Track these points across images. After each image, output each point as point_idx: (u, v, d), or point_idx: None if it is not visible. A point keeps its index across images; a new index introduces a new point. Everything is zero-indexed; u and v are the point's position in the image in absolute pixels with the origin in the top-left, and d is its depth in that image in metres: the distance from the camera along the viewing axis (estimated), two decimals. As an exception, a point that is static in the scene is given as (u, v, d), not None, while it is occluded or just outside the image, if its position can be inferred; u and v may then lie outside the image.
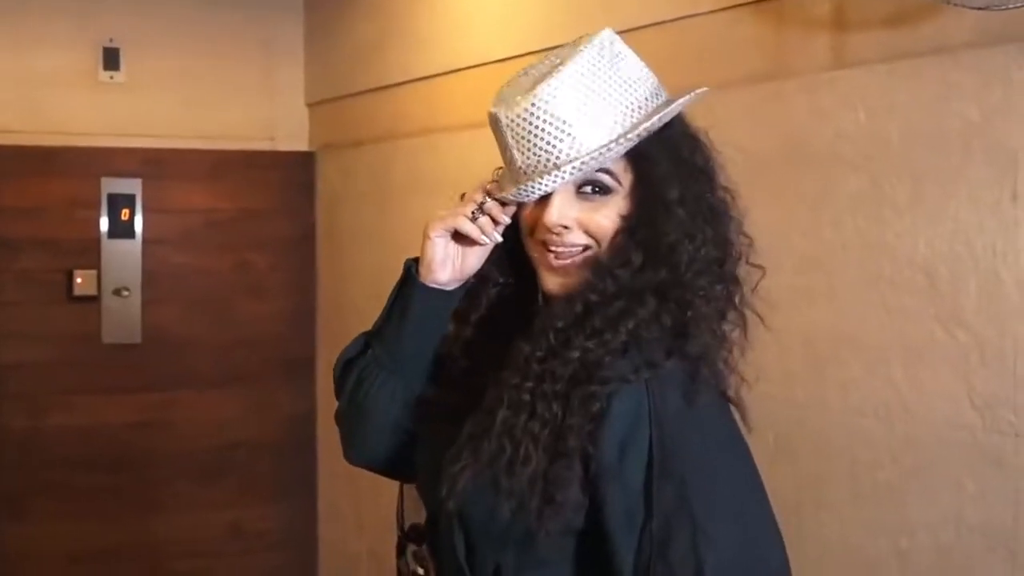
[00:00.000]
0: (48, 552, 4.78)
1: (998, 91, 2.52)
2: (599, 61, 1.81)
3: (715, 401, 1.78)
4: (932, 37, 2.68)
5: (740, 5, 3.11)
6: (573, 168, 1.74)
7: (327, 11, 5.08)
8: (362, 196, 4.89)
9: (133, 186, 4.90)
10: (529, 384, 1.73)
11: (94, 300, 4.86)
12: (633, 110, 1.80)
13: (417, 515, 2.01)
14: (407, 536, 2.01)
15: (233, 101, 5.10)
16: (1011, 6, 2.36)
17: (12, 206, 4.74)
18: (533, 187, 1.75)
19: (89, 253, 4.85)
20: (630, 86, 1.82)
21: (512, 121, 1.78)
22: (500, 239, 1.85)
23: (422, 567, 1.94)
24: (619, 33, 3.22)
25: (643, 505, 1.67)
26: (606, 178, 1.78)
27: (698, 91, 1.85)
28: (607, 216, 1.79)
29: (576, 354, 1.72)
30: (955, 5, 2.42)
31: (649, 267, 1.77)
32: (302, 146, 5.22)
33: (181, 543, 5.00)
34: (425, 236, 1.88)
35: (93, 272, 4.84)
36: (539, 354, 1.74)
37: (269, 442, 5.14)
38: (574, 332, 1.74)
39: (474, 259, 1.90)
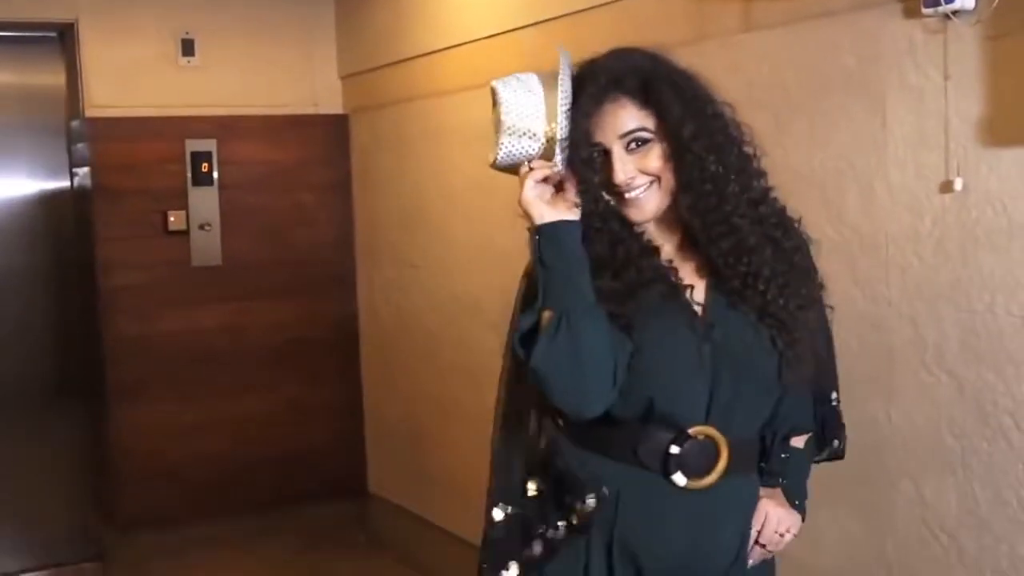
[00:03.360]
0: (157, 425, 4.83)
1: (869, 45, 2.55)
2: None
3: None
4: (820, 4, 2.70)
5: (672, -13, 3.12)
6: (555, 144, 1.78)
7: (353, 2, 5.06)
8: (386, 148, 4.90)
9: (210, 145, 4.89)
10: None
11: (184, 234, 4.86)
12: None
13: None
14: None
15: (283, 76, 5.07)
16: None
17: (117, 164, 4.73)
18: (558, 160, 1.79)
19: (179, 197, 4.84)
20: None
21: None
22: (561, 167, 1.79)
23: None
24: (575, 13, 3.22)
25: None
26: (642, 133, 1.81)
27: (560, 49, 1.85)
28: (655, 157, 1.81)
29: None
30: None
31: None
32: (338, 110, 5.20)
33: (257, 417, 5.04)
34: (524, 197, 1.77)
35: (183, 212, 4.84)
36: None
37: (321, 339, 5.15)
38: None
39: (570, 195, 1.80)
